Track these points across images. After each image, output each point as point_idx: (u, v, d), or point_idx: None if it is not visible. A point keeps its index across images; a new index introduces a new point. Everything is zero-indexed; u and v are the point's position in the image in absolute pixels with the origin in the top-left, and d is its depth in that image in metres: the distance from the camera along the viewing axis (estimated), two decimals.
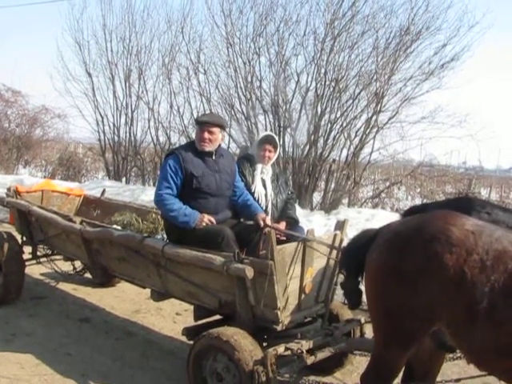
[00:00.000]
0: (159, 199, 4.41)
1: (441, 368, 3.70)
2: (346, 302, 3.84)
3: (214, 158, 4.58)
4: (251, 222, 4.55)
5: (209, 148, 4.52)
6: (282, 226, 4.88)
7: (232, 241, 4.20)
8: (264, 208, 4.94)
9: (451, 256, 2.88)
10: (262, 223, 4.41)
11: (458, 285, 2.86)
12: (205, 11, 13.48)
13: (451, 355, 3.73)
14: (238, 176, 4.82)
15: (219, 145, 4.68)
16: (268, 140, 5.15)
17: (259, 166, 5.09)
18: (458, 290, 2.86)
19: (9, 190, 6.58)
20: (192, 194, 4.44)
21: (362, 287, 3.50)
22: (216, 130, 4.53)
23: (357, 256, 3.42)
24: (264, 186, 5.06)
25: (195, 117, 12.90)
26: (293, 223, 5.04)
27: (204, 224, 4.31)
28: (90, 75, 15.96)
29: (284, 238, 4.54)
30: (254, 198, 4.90)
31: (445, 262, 2.89)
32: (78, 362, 4.70)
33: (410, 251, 3.03)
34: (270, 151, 5.10)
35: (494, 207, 3.63)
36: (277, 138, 5.36)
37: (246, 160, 5.17)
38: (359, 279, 3.54)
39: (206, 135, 4.48)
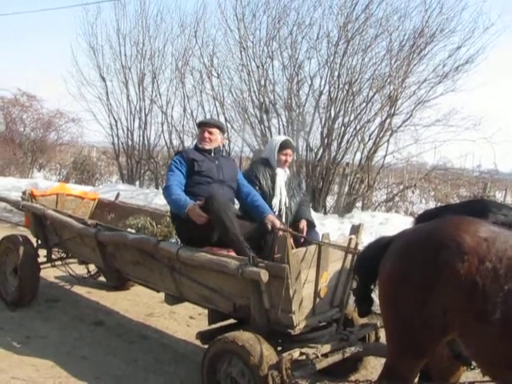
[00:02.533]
0: (165, 187, 4.71)
1: (460, 378, 3.64)
2: (355, 309, 3.82)
3: (213, 155, 4.90)
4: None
5: (208, 146, 4.89)
6: (303, 224, 4.97)
7: (237, 228, 4.28)
8: (278, 211, 4.97)
9: (462, 264, 2.80)
10: (269, 226, 4.45)
11: (470, 294, 2.78)
12: (218, 15, 13.51)
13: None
14: (241, 177, 5.02)
15: (219, 147, 4.99)
16: (288, 145, 5.24)
17: (280, 171, 5.17)
18: (469, 299, 2.79)
19: (24, 193, 6.61)
20: (195, 178, 4.70)
21: (374, 296, 3.48)
22: (215, 130, 4.94)
23: (370, 264, 3.37)
24: (280, 189, 5.09)
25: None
26: (309, 225, 5.04)
27: (194, 217, 4.33)
28: (103, 79, 16.09)
29: (302, 240, 4.56)
30: (267, 201, 4.91)
31: (456, 270, 2.81)
32: (91, 364, 4.71)
33: (421, 260, 2.97)
34: (289, 155, 5.24)
35: (510, 209, 3.57)
36: (293, 141, 5.44)
37: (261, 164, 5.19)
38: (371, 287, 3.51)
39: (206, 135, 4.90)
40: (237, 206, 5.05)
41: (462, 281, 2.80)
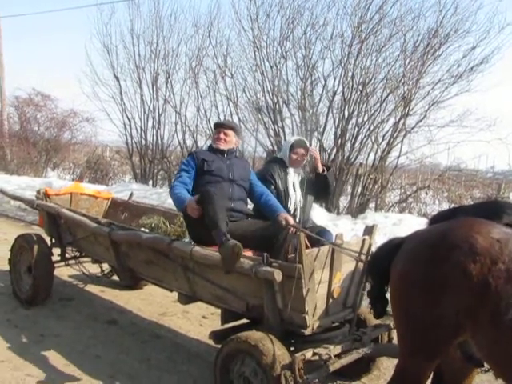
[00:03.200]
0: (171, 187, 4.78)
1: (472, 380, 3.61)
2: (371, 310, 3.81)
3: (225, 155, 4.92)
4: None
5: (223, 146, 4.93)
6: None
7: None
8: (292, 211, 4.97)
9: (475, 265, 2.79)
10: (284, 223, 4.42)
11: (482, 295, 2.76)
12: (232, 15, 13.53)
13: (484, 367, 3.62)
14: (255, 178, 5.01)
15: (233, 148, 5.01)
16: (300, 144, 5.22)
17: (291, 170, 5.16)
18: (481, 300, 2.77)
19: (38, 192, 6.65)
20: (205, 178, 4.72)
21: (388, 296, 3.47)
22: (230, 132, 4.99)
23: (383, 265, 3.37)
24: (294, 189, 5.09)
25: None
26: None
27: (190, 210, 4.37)
28: (117, 79, 16.15)
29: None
30: (283, 201, 4.91)
31: (468, 271, 2.79)
32: (105, 363, 4.74)
33: (433, 260, 2.96)
34: (302, 155, 5.20)
35: None
36: (307, 142, 5.41)
37: (275, 163, 5.20)
38: (385, 288, 3.50)
39: (222, 135, 4.95)
40: (250, 206, 5.07)
41: (474, 282, 2.78)
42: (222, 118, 13.39)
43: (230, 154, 4.95)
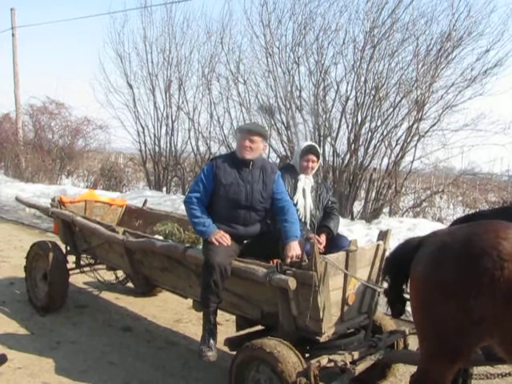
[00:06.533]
0: (187, 200, 4.54)
1: None
2: (388, 310, 3.79)
3: (250, 168, 4.55)
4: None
5: (249, 156, 4.50)
6: (323, 239, 4.83)
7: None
8: (303, 219, 4.91)
9: (502, 272, 2.77)
10: (288, 260, 4.10)
11: (510, 302, 2.75)
12: (244, 22, 13.64)
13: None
14: (280, 189, 4.65)
15: (260, 155, 4.66)
16: (311, 150, 5.09)
17: (302, 177, 5.05)
18: (510, 307, 2.75)
19: (53, 200, 6.70)
20: (220, 202, 4.49)
21: (406, 296, 3.46)
22: (258, 138, 4.54)
23: (401, 265, 3.36)
24: (304, 196, 5.00)
25: (235, 127, 13.04)
26: (330, 234, 4.96)
27: (214, 240, 4.26)
28: (131, 86, 16.30)
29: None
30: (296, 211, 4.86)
31: (495, 278, 2.77)
32: (120, 370, 4.76)
33: (458, 266, 2.92)
34: (313, 161, 5.06)
35: None
36: (318, 148, 5.29)
37: (286, 170, 5.12)
38: (403, 287, 3.48)
39: (248, 143, 4.49)
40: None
41: (503, 288, 2.76)
42: (235, 125, 13.45)
43: (255, 166, 4.55)
